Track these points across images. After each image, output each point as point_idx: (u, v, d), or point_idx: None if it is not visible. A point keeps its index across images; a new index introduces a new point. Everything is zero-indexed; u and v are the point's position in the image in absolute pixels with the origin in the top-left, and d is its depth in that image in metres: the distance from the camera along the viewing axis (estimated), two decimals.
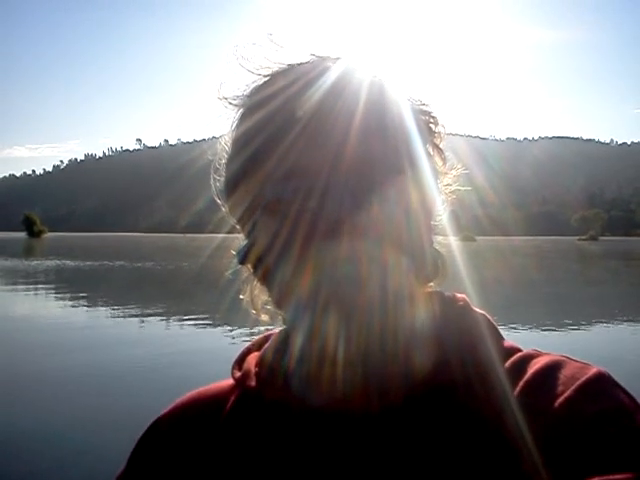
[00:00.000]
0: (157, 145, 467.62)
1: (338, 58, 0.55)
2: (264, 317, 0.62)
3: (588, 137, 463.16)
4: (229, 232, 0.59)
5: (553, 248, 66.47)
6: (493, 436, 0.49)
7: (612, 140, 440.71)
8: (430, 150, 0.58)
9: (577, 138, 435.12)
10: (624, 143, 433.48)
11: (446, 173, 0.59)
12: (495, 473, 0.48)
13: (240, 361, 0.64)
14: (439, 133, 0.58)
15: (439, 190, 0.58)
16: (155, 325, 11.25)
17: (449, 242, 0.59)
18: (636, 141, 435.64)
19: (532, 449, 0.47)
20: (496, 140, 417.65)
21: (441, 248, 0.59)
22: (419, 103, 0.56)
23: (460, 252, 0.66)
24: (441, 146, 0.58)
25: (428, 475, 0.49)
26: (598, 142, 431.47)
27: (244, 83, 0.56)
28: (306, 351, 0.54)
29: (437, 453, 0.50)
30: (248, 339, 0.67)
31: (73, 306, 14.13)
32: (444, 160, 0.58)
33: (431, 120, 0.57)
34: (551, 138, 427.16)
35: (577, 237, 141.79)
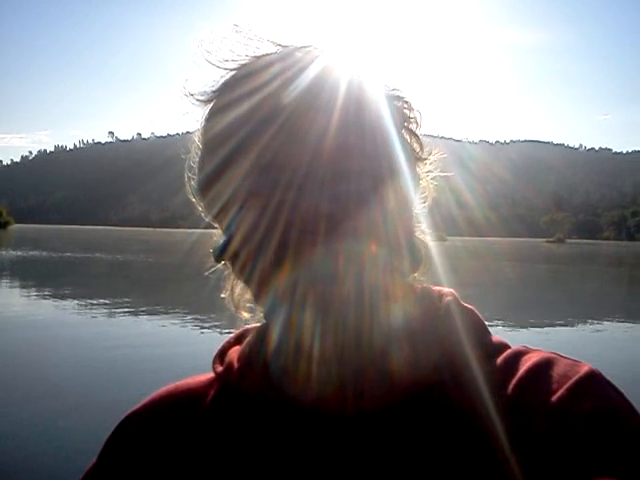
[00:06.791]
0: (130, 138, 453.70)
1: (303, 47, 0.55)
2: (245, 314, 0.62)
3: (558, 142, 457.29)
4: (206, 227, 0.58)
5: (513, 249, 67.69)
6: (470, 439, 0.49)
7: (581, 145, 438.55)
8: (407, 137, 0.57)
9: (548, 142, 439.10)
10: (592, 148, 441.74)
11: (425, 159, 0.58)
12: (472, 475, 0.48)
13: (221, 355, 0.63)
14: (414, 118, 0.57)
15: (419, 177, 0.58)
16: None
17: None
18: (603, 147, 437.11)
19: (509, 449, 0.46)
20: (469, 142, 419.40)
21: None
22: (392, 89, 0.56)
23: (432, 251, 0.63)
24: (417, 132, 0.57)
25: (403, 478, 0.49)
26: (567, 147, 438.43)
27: (211, 78, 0.55)
28: (283, 345, 0.53)
29: (411, 457, 0.50)
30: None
31: (39, 297, 14.05)
32: (421, 146, 0.58)
33: (405, 106, 0.57)
34: (523, 141, 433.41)
35: (545, 239, 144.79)
